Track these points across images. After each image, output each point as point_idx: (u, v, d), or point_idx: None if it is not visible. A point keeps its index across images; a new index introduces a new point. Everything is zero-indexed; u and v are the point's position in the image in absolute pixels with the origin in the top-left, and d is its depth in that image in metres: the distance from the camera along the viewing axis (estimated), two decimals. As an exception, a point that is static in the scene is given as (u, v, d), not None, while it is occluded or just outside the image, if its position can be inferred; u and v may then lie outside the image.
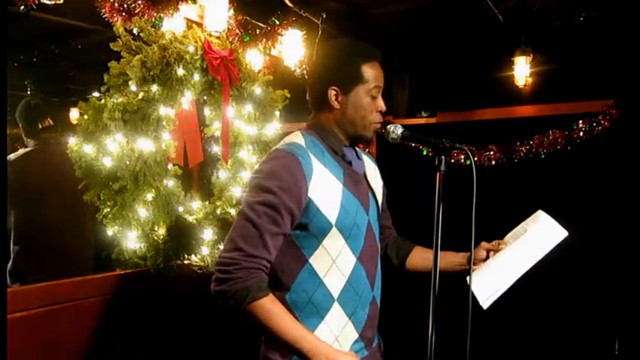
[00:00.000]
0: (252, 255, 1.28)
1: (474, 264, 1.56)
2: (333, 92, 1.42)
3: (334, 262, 1.38)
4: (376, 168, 1.65)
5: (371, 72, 1.42)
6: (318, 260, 1.37)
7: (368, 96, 1.42)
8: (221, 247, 1.35)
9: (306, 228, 1.35)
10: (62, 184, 2.33)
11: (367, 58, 1.43)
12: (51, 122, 2.57)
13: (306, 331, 1.32)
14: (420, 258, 1.66)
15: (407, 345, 2.57)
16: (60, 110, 3.12)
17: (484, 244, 1.60)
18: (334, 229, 1.36)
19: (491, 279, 1.46)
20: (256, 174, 1.36)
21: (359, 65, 1.41)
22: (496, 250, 1.56)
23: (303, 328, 1.32)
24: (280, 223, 1.30)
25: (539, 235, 1.50)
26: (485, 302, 1.42)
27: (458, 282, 1.54)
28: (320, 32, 3.00)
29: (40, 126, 2.54)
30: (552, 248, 1.48)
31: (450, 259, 1.59)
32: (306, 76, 1.53)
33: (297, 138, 1.42)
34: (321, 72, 1.46)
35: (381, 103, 1.45)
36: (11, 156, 2.49)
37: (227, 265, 1.27)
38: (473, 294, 1.42)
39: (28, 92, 4.47)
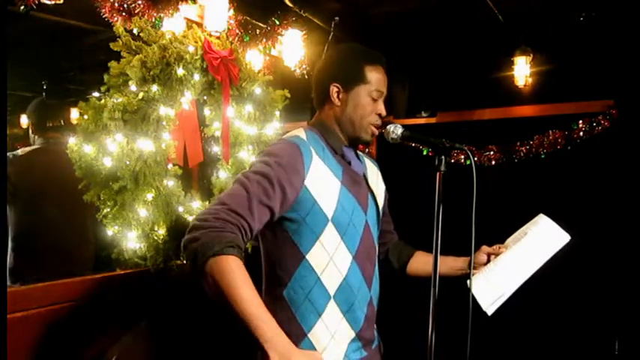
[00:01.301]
0: (235, 211, 1.22)
1: (475, 268, 1.57)
2: (335, 89, 1.45)
3: (331, 258, 1.38)
4: (379, 173, 1.66)
5: (374, 75, 1.44)
6: (315, 256, 1.37)
7: (368, 97, 1.44)
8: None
9: (303, 222, 1.36)
10: (64, 183, 2.33)
11: (371, 61, 1.46)
12: (61, 122, 2.64)
13: (268, 315, 1.14)
14: (421, 263, 1.66)
15: (407, 345, 2.57)
16: (68, 111, 3.19)
17: (485, 247, 1.59)
18: (330, 225, 1.37)
19: (493, 284, 1.45)
20: (257, 156, 1.38)
21: (362, 66, 1.44)
22: (497, 254, 1.56)
23: (265, 310, 1.14)
24: (271, 196, 1.28)
25: (540, 239, 1.50)
26: (489, 308, 1.42)
27: (458, 283, 1.53)
28: (330, 37, 3.01)
29: (50, 124, 2.60)
30: (555, 253, 1.47)
31: (451, 264, 1.59)
32: (312, 76, 1.55)
33: (300, 133, 1.45)
34: (326, 69, 1.50)
35: (381, 107, 1.46)
36: (18, 151, 2.52)
37: (205, 214, 1.21)
38: (474, 298, 1.42)
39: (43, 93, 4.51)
